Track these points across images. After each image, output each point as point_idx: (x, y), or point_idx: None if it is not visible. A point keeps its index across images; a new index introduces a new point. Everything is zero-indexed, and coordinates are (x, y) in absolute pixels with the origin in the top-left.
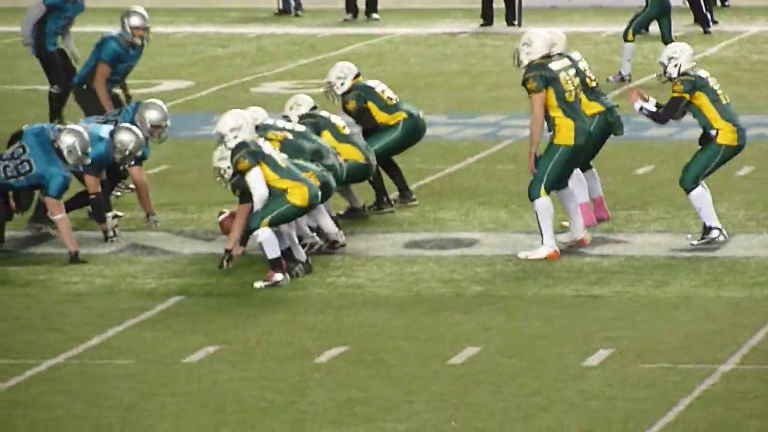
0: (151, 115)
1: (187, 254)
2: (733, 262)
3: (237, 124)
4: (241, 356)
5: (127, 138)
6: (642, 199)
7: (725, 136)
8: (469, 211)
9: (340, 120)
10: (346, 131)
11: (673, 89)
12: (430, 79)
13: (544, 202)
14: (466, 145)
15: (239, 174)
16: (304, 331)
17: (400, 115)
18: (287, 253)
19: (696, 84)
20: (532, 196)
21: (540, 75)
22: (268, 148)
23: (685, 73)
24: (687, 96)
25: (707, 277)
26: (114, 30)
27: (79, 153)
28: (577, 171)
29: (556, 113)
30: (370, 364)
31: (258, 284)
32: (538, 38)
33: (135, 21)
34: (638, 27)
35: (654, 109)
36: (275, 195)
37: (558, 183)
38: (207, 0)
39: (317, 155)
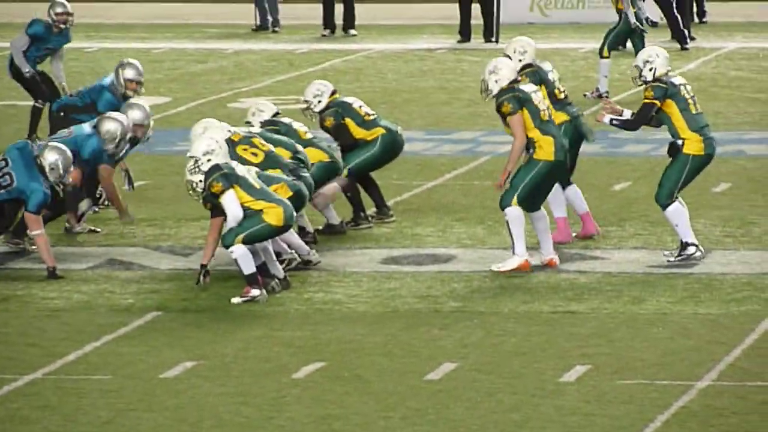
0: (134, 114)
1: (165, 270)
2: (710, 278)
3: (210, 147)
4: (219, 372)
5: (112, 126)
6: (619, 216)
7: (691, 145)
8: (446, 227)
9: (301, 126)
10: (308, 136)
11: (645, 95)
12: (408, 95)
13: (514, 211)
14: (444, 161)
15: (213, 197)
16: (282, 346)
17: (378, 131)
18: (263, 268)
19: (668, 91)
20: (504, 204)
21: (514, 97)
22: (242, 169)
23: (658, 79)
24: (657, 102)
25: (684, 293)
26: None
27: (61, 171)
28: (556, 186)
29: (534, 133)
30: (348, 380)
31: (235, 300)
32: (504, 66)
33: (129, 74)
34: (613, 43)
35: (625, 117)
36: (250, 215)
37: (532, 199)
38: (185, 16)
39: (293, 173)
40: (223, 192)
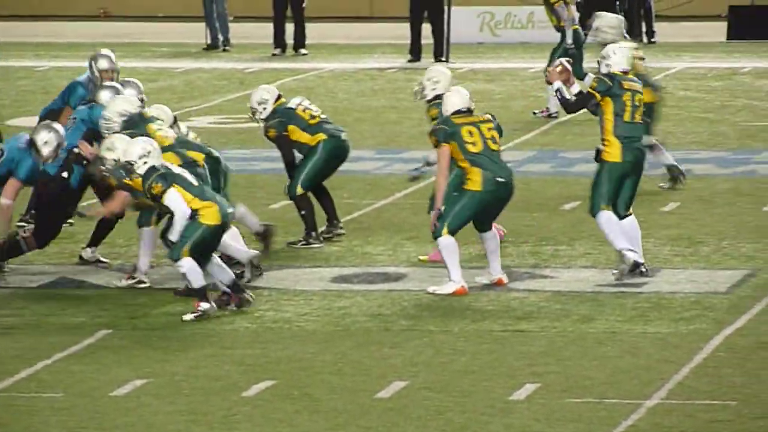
0: (102, 64)
1: (115, 288)
2: (658, 297)
3: (145, 150)
4: (169, 390)
5: (108, 96)
6: (569, 235)
7: (610, 152)
8: (396, 246)
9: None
10: (198, 140)
11: (591, 84)
12: (359, 114)
13: (446, 240)
14: (394, 180)
15: (155, 198)
16: (232, 365)
17: (320, 137)
18: (236, 286)
19: (610, 90)
20: (435, 234)
21: (442, 130)
22: (177, 168)
23: (609, 74)
24: (597, 96)
25: (633, 312)
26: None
27: (55, 144)
28: None
29: (464, 164)
30: (298, 398)
31: (187, 317)
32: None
33: (103, 64)
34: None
35: (569, 96)
36: (188, 221)
37: (479, 223)
38: (137, 35)
39: (189, 166)
40: (164, 191)
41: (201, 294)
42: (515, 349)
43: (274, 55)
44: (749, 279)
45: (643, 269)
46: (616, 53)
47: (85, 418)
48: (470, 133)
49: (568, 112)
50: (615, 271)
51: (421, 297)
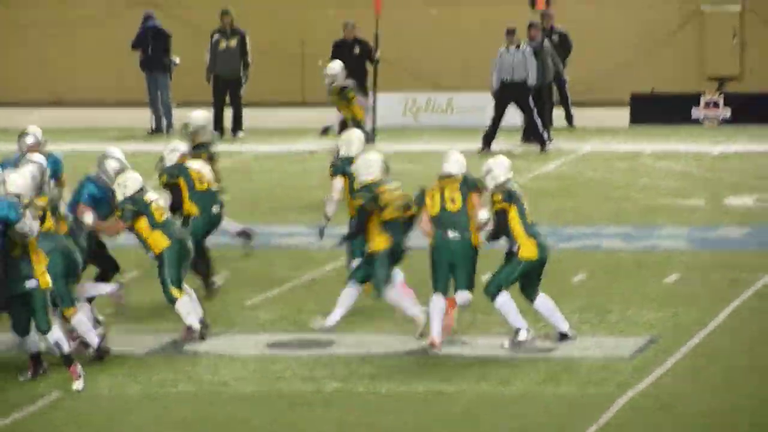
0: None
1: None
2: (569, 361)
3: (35, 183)
4: None
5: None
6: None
7: (526, 250)
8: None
9: None
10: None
11: (493, 199)
12: (291, 192)
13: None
14: (324, 254)
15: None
16: (174, 425)
17: (193, 208)
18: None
19: (512, 196)
20: (375, 293)
21: (365, 196)
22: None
23: (501, 185)
24: (506, 205)
25: (545, 375)
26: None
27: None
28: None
29: (376, 228)
30: None
31: (76, 386)
32: (356, 139)
33: (29, 141)
34: None
35: (490, 228)
36: (38, 295)
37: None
38: (87, 120)
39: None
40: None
41: (70, 361)
42: (436, 409)
43: None
44: (651, 345)
45: (570, 335)
46: (500, 165)
47: None
48: (388, 198)
49: (497, 239)
50: (506, 344)
51: (350, 361)
